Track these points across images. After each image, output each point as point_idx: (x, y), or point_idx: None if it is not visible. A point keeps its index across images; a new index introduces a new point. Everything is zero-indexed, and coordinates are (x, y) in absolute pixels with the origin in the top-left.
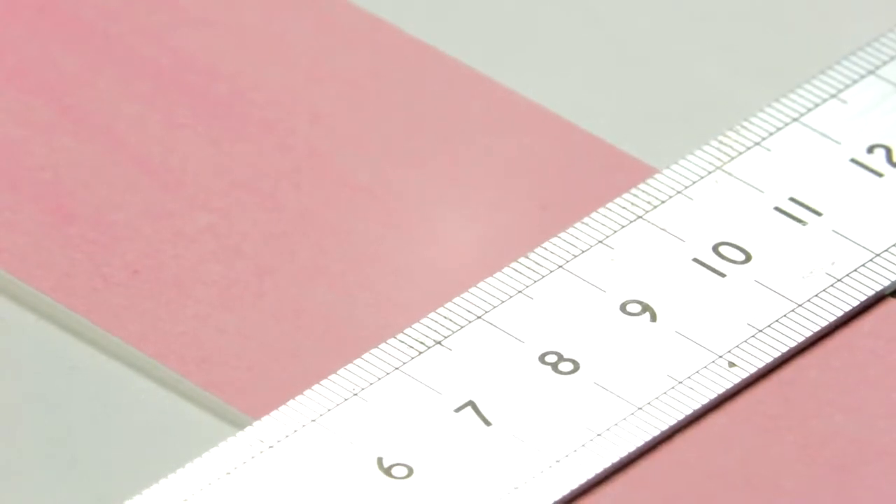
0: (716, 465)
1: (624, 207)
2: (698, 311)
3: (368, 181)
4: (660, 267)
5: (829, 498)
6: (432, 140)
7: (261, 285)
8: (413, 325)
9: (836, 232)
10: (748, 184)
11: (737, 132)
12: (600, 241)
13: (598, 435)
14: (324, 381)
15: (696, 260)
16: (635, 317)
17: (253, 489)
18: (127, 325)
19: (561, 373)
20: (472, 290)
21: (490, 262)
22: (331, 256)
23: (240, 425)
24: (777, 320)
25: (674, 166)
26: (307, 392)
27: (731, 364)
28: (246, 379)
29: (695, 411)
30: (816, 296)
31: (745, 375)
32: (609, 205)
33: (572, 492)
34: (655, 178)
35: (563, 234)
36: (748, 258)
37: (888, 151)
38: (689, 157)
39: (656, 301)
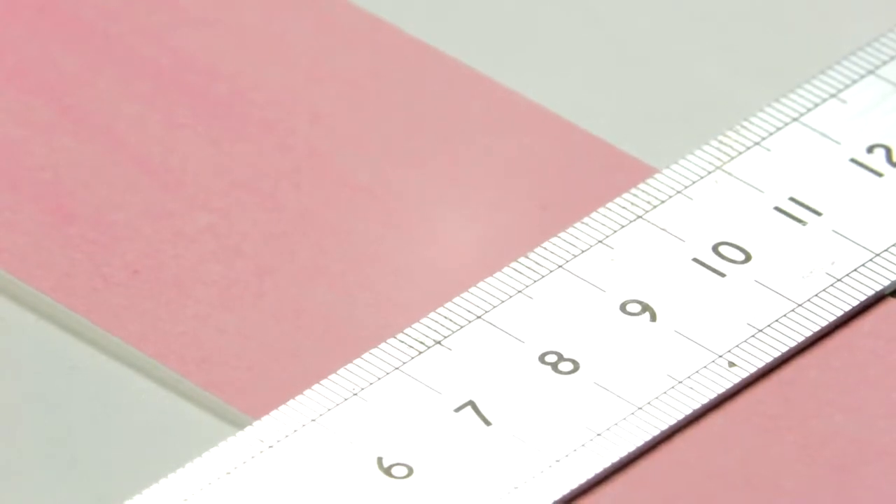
0: (716, 465)
1: (624, 207)
2: (698, 311)
3: (368, 181)
4: (660, 267)
5: (829, 498)
6: (432, 140)
7: (261, 285)
8: (413, 325)
9: (836, 232)
10: (748, 184)
11: (737, 132)
12: (600, 241)
13: (598, 435)
14: (324, 381)
15: (696, 260)
16: (635, 317)
17: (253, 489)
18: (127, 325)
19: (561, 373)
20: (472, 290)
21: (490, 262)
22: (331, 256)
23: (240, 425)
24: (777, 320)
25: (674, 166)
26: (307, 392)
27: (731, 364)
28: (246, 379)
29: (695, 411)
30: (816, 296)
31: (745, 375)
32: (609, 205)
33: (572, 492)
34: (655, 178)
35: (563, 234)
36: (748, 258)
37: (888, 151)
38: (689, 157)
39: (656, 301)
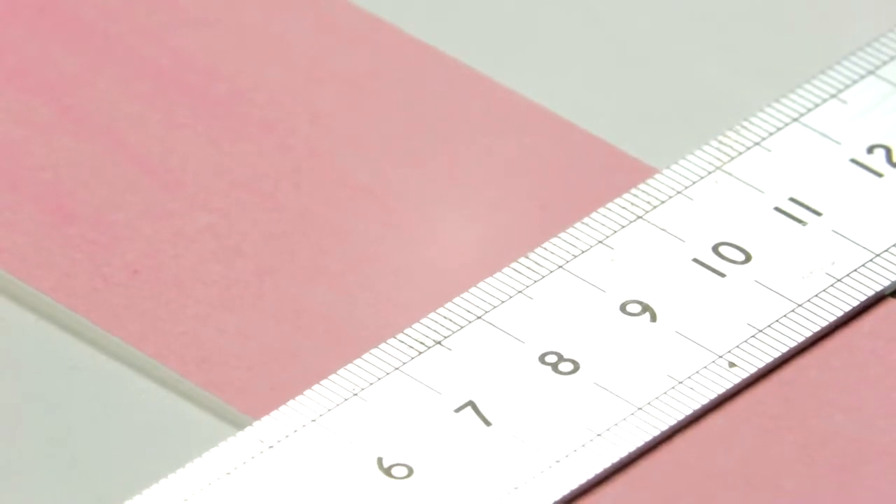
0: (716, 465)
1: (624, 207)
2: (698, 311)
3: (368, 181)
4: (660, 267)
5: (829, 498)
6: (432, 140)
7: (261, 285)
8: (413, 325)
9: (836, 232)
10: (748, 184)
11: (737, 132)
12: (600, 241)
13: (598, 435)
14: (324, 381)
15: (696, 260)
16: (635, 317)
17: (253, 489)
18: (127, 325)
19: (561, 373)
20: (472, 290)
21: (490, 262)
22: (331, 256)
23: (240, 425)
24: (777, 320)
25: (674, 166)
26: (307, 392)
27: (731, 364)
28: (246, 379)
29: (695, 411)
30: (816, 296)
31: (745, 375)
32: (609, 205)
33: (572, 492)
34: (655, 178)
35: (563, 234)
36: (748, 258)
37: (888, 151)
38: (689, 157)
39: (656, 301)
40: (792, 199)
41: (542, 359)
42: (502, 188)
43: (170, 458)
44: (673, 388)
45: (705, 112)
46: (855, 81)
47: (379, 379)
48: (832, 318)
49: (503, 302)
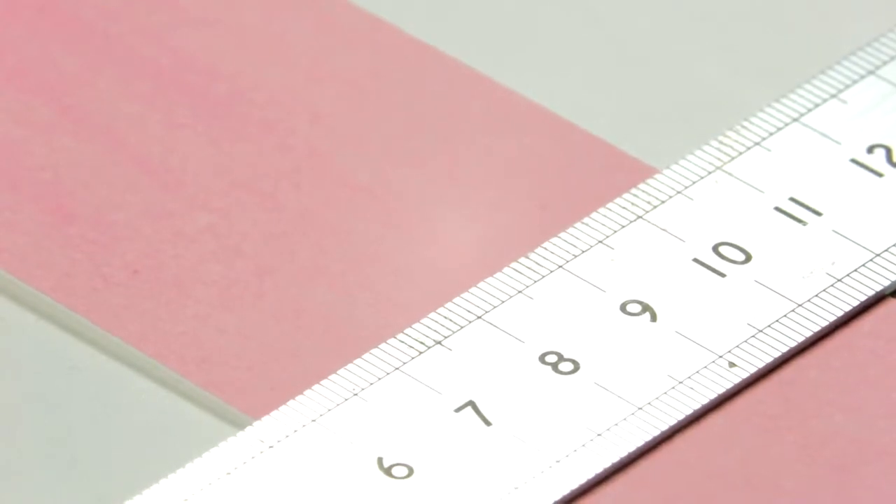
0: (716, 465)
1: (624, 207)
2: (698, 311)
3: (368, 181)
4: (660, 267)
5: (829, 498)
6: (432, 140)
7: (261, 285)
8: (413, 325)
9: (836, 232)
10: (748, 184)
11: (737, 132)
12: (600, 241)
13: (598, 435)
14: (324, 381)
15: (696, 260)
16: (635, 317)
17: (253, 489)
18: (127, 325)
19: (561, 373)
20: (472, 290)
21: (490, 262)
22: (331, 256)
23: (240, 425)
24: (777, 320)
25: (674, 166)
26: (307, 392)
27: (731, 364)
28: (246, 379)
29: (695, 411)
30: (816, 296)
31: (745, 375)
32: (609, 205)
33: (572, 492)
34: (655, 178)
35: (563, 234)
36: (748, 258)
37: (888, 151)
38: (689, 157)
39: (656, 301)
40: (792, 199)
41: (542, 359)
42: (502, 188)
43: (170, 458)
44: (673, 388)
45: (705, 112)
46: (855, 81)
47: (379, 379)
48: (832, 318)
49: (503, 302)
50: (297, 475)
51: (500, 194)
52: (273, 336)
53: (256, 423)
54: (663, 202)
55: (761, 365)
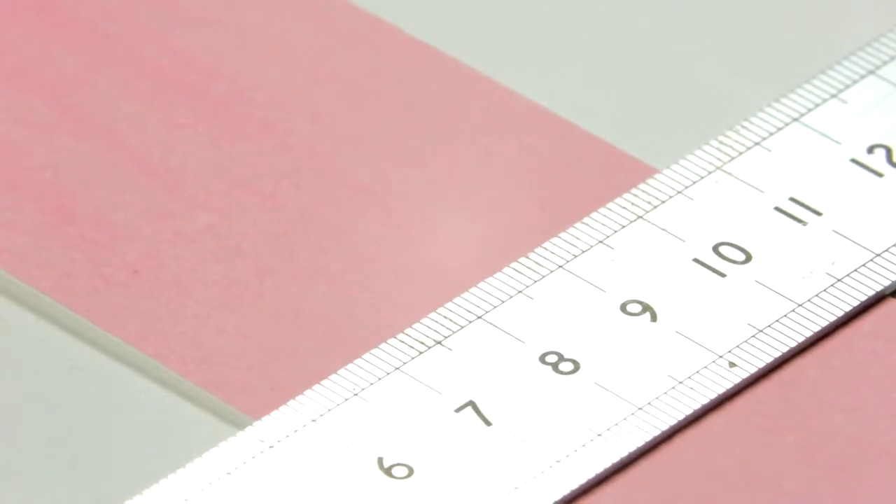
0: (716, 465)
1: (624, 207)
2: (698, 311)
3: (368, 181)
4: (660, 267)
5: (829, 498)
6: (432, 140)
7: (261, 285)
8: (413, 325)
9: (836, 232)
10: (748, 184)
11: (737, 132)
12: (600, 241)
13: (598, 435)
14: (324, 381)
15: (696, 260)
16: (635, 317)
17: (253, 489)
18: (127, 325)
19: (561, 373)
20: (472, 290)
21: (490, 262)
22: (331, 256)
23: (240, 425)
24: (777, 320)
25: (674, 166)
26: (307, 392)
27: (732, 364)
28: (246, 379)
29: (695, 411)
30: (816, 296)
31: (745, 375)
32: (609, 205)
33: (572, 492)
34: (655, 178)
35: (563, 234)
36: (748, 258)
37: (888, 151)
38: (689, 157)
39: (656, 301)
40: (792, 199)
41: (542, 359)
42: (502, 188)
43: (170, 458)
44: (673, 388)
45: (705, 112)
46: (855, 81)
47: (379, 379)
48: (832, 318)
49: (503, 302)
50: (297, 475)
51: (500, 194)
52: (273, 336)
53: (256, 423)
54: (663, 202)
55: (761, 365)
